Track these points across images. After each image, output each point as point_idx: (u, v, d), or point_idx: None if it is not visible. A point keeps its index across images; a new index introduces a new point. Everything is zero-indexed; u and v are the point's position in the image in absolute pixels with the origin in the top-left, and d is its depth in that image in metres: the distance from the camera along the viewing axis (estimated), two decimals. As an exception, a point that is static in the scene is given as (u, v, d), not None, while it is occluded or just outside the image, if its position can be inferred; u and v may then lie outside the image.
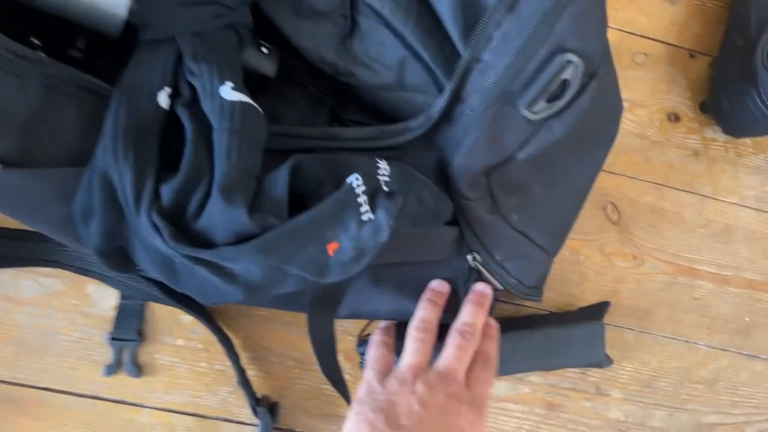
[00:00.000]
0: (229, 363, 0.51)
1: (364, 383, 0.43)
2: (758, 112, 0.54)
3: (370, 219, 0.35)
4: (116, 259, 0.37)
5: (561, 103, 0.38)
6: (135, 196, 0.34)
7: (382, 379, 0.42)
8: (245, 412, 0.53)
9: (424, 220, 0.39)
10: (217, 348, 0.51)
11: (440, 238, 0.44)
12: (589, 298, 0.57)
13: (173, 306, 0.50)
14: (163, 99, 0.37)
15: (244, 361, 0.52)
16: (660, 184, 0.59)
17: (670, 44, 0.60)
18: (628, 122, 0.59)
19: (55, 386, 0.51)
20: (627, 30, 0.59)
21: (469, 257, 0.45)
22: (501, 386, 0.56)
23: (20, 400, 0.51)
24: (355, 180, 0.36)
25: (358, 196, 0.35)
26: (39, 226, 0.39)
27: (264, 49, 0.43)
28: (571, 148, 0.42)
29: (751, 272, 0.60)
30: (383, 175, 0.37)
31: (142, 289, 0.49)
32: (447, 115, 0.40)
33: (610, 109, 0.45)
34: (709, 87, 0.59)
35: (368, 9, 0.43)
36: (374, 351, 0.45)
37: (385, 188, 0.36)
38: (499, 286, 0.46)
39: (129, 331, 0.51)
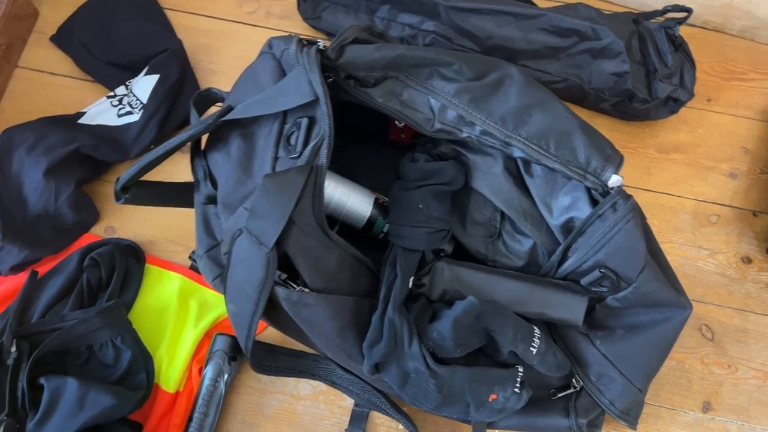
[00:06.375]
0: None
1: None
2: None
3: (518, 392, 0.59)
4: (374, 369, 0.61)
5: (604, 289, 0.63)
6: (409, 338, 0.59)
7: None
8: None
9: (559, 369, 0.63)
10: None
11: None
12: (698, 398, 0.76)
13: (388, 414, 0.72)
14: (412, 282, 0.64)
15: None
16: (742, 310, 0.78)
17: (736, 207, 0.83)
18: (711, 265, 0.80)
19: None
20: (701, 199, 0.83)
21: (573, 380, 0.65)
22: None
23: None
24: (520, 369, 0.61)
25: (518, 378, 0.60)
26: (315, 337, 0.61)
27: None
28: (638, 312, 0.63)
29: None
30: (536, 341, 0.60)
31: (370, 400, 0.72)
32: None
33: (659, 300, 0.63)
34: (770, 236, 0.80)
35: (507, 221, 0.70)
36: None
37: (518, 386, 0.59)
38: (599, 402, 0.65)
39: (358, 429, 0.76)
